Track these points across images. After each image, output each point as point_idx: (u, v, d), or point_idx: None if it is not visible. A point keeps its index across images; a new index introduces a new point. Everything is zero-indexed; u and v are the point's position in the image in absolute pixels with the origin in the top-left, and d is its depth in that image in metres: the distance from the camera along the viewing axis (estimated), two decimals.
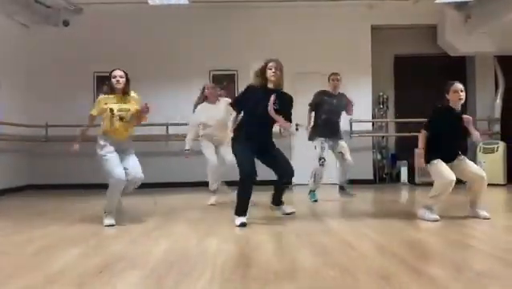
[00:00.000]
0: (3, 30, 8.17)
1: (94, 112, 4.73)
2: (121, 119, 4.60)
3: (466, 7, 8.75)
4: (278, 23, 9.12)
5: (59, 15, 8.83)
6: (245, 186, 4.48)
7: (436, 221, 4.56)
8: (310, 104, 6.32)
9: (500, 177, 8.50)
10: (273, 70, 4.60)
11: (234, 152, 4.63)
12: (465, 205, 4.99)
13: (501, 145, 8.66)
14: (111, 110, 4.58)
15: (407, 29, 9.48)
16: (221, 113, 5.92)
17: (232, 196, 5.32)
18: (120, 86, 4.62)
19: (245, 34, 9.09)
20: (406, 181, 9.03)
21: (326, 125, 6.18)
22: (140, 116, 4.73)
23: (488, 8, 8.20)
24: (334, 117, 6.25)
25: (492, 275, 2.64)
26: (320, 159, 6.10)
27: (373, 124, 9.47)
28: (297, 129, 8.80)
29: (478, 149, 8.81)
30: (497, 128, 9.26)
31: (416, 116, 8.91)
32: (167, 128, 8.83)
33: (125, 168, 4.58)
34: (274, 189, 4.98)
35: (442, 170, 4.64)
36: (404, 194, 7.76)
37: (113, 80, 4.62)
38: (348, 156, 6.27)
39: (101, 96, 4.73)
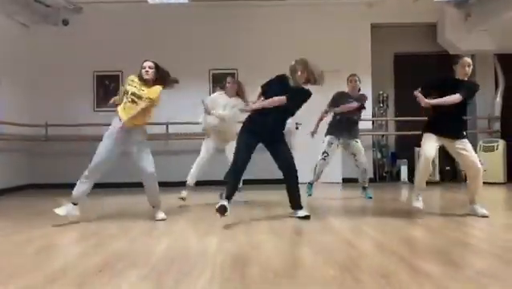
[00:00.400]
0: (3, 29, 8.17)
1: (122, 92, 4.85)
2: (132, 101, 4.69)
3: (466, 5, 8.74)
4: (277, 22, 9.12)
5: (59, 14, 8.84)
6: (234, 173, 4.63)
7: (419, 210, 4.74)
8: (328, 107, 6.36)
9: (500, 176, 8.50)
10: (299, 73, 4.74)
11: (237, 139, 4.73)
12: (465, 203, 5.00)
13: (501, 143, 8.67)
14: (127, 92, 4.72)
15: (407, 27, 9.48)
16: (230, 104, 5.89)
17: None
18: (149, 76, 4.75)
19: (244, 32, 9.09)
20: (406, 179, 9.03)
21: (339, 124, 6.25)
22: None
23: (488, 6, 8.20)
24: (349, 117, 6.22)
25: (491, 274, 2.64)
26: (323, 153, 6.26)
27: (373, 123, 9.46)
28: (297, 128, 8.81)
29: (478, 148, 8.81)
30: (497, 126, 9.27)
31: (416, 115, 8.90)
32: (167, 127, 8.83)
33: (138, 167, 4.75)
34: (287, 192, 4.93)
35: (427, 143, 4.68)
36: (404, 193, 7.76)
37: (143, 71, 4.76)
38: (361, 157, 6.28)
39: (133, 76, 4.85)
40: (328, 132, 6.32)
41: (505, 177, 8.58)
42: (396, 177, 9.37)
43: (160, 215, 4.90)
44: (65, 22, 8.85)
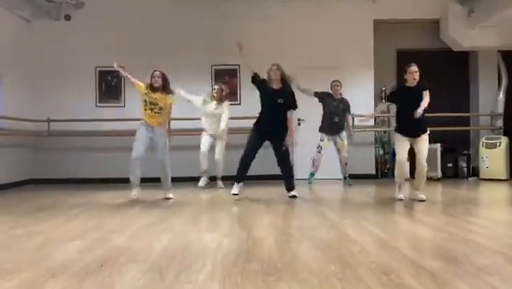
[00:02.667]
0: (5, 24, 8.17)
1: (138, 85, 5.98)
2: (151, 110, 5.85)
3: (469, 1, 8.69)
4: (279, 17, 9.09)
5: (61, 9, 8.80)
6: (243, 162, 5.95)
7: (400, 200, 5.60)
8: (316, 92, 7.60)
9: (502, 172, 8.48)
10: (273, 72, 5.87)
11: (250, 135, 5.96)
12: (467, 200, 5.00)
13: (504, 140, 8.64)
14: (145, 101, 5.87)
15: (409, 23, 9.43)
16: (218, 113, 7.35)
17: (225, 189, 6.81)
18: (157, 84, 5.82)
19: (246, 28, 9.05)
20: (408, 175, 9.00)
21: (327, 124, 7.52)
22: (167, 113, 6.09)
23: (491, 2, 8.15)
24: (334, 118, 7.50)
25: (493, 270, 2.63)
26: (318, 147, 7.57)
27: (375, 119, 9.43)
28: (299, 124, 8.80)
29: (481, 144, 8.79)
30: (500, 122, 9.23)
31: None
32: (168, 122, 8.80)
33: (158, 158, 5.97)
34: (283, 178, 6.10)
35: (397, 148, 5.65)
36: (406, 189, 7.73)
37: (152, 80, 5.84)
38: (344, 152, 7.55)
39: (145, 85, 5.93)
40: (320, 130, 7.60)
41: (508, 174, 8.55)
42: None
43: (170, 194, 6.05)
44: (67, 17, 8.82)
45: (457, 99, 9.49)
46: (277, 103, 5.79)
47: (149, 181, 6.58)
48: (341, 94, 7.67)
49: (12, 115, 8.03)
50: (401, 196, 5.71)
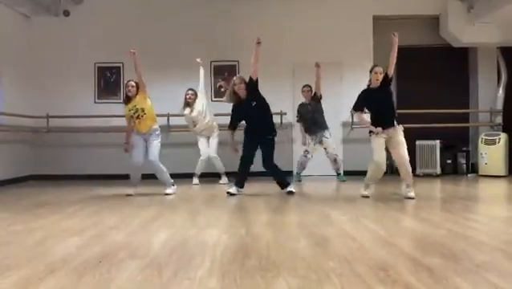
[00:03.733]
0: (4, 20, 8.15)
1: (127, 117, 6.19)
2: (137, 117, 6.04)
3: None
4: (279, 13, 9.08)
5: (60, 5, 8.77)
6: (241, 166, 6.08)
7: (366, 197, 5.55)
8: (297, 119, 7.94)
9: (501, 169, 8.49)
10: (237, 86, 5.96)
11: (243, 143, 6.10)
12: (466, 196, 5.00)
13: (503, 137, 8.63)
14: (132, 116, 6.08)
15: (409, 19, 9.41)
16: (196, 111, 7.59)
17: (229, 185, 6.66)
18: (131, 93, 6.09)
19: (246, 24, 9.04)
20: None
21: (309, 126, 7.72)
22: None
23: None
24: (313, 119, 7.65)
25: (492, 267, 2.63)
26: (304, 151, 7.76)
27: None
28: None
29: (480, 141, 8.79)
30: (499, 119, 9.22)
31: (418, 108, 8.88)
32: (168, 119, 8.82)
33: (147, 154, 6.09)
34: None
35: (375, 148, 5.50)
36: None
37: (126, 89, 6.16)
38: (330, 149, 7.66)
39: (124, 106, 6.24)
40: (306, 133, 7.76)
41: (507, 170, 8.55)
42: (397, 170, 9.32)
43: (168, 190, 6.18)
44: (66, 13, 8.78)
45: (457, 96, 9.48)
46: (252, 108, 5.94)
47: (148, 178, 6.58)
48: (311, 96, 7.73)
49: (11, 111, 8.03)
50: (368, 193, 5.69)
